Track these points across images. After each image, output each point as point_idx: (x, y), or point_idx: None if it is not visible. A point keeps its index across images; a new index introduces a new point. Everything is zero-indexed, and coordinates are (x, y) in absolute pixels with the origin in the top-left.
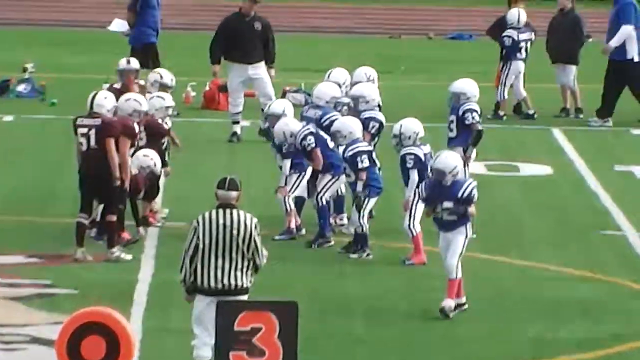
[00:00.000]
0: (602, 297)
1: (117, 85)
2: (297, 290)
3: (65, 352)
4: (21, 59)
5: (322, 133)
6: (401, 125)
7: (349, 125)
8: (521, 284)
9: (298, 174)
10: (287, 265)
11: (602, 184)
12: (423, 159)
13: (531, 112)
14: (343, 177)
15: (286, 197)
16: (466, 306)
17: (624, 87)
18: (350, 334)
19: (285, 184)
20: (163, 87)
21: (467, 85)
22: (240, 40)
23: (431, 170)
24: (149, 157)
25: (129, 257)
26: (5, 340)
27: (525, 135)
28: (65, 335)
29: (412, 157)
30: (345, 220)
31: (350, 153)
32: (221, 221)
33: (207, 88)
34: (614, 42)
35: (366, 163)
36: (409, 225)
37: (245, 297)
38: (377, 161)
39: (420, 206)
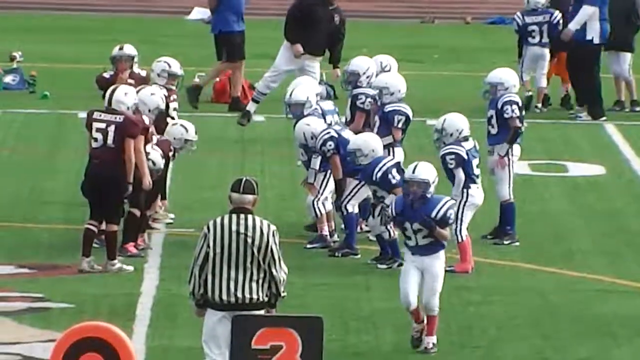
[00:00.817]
0: None
1: (107, 75)
2: (318, 304)
3: None
4: (8, 47)
5: (345, 135)
6: (444, 120)
7: (371, 142)
8: (570, 298)
9: (326, 172)
10: (307, 276)
11: None
12: (465, 157)
13: (539, 105)
14: None
15: (315, 201)
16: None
17: None
18: (379, 350)
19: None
20: (172, 77)
21: (504, 75)
22: (313, 27)
23: (404, 182)
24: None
25: (130, 268)
26: None
27: (574, 130)
28: (59, 353)
29: (453, 157)
30: None
31: (380, 174)
32: (234, 227)
33: (217, 80)
34: (573, 25)
35: (398, 176)
36: (456, 230)
37: (261, 312)
38: (403, 169)
39: (469, 209)
